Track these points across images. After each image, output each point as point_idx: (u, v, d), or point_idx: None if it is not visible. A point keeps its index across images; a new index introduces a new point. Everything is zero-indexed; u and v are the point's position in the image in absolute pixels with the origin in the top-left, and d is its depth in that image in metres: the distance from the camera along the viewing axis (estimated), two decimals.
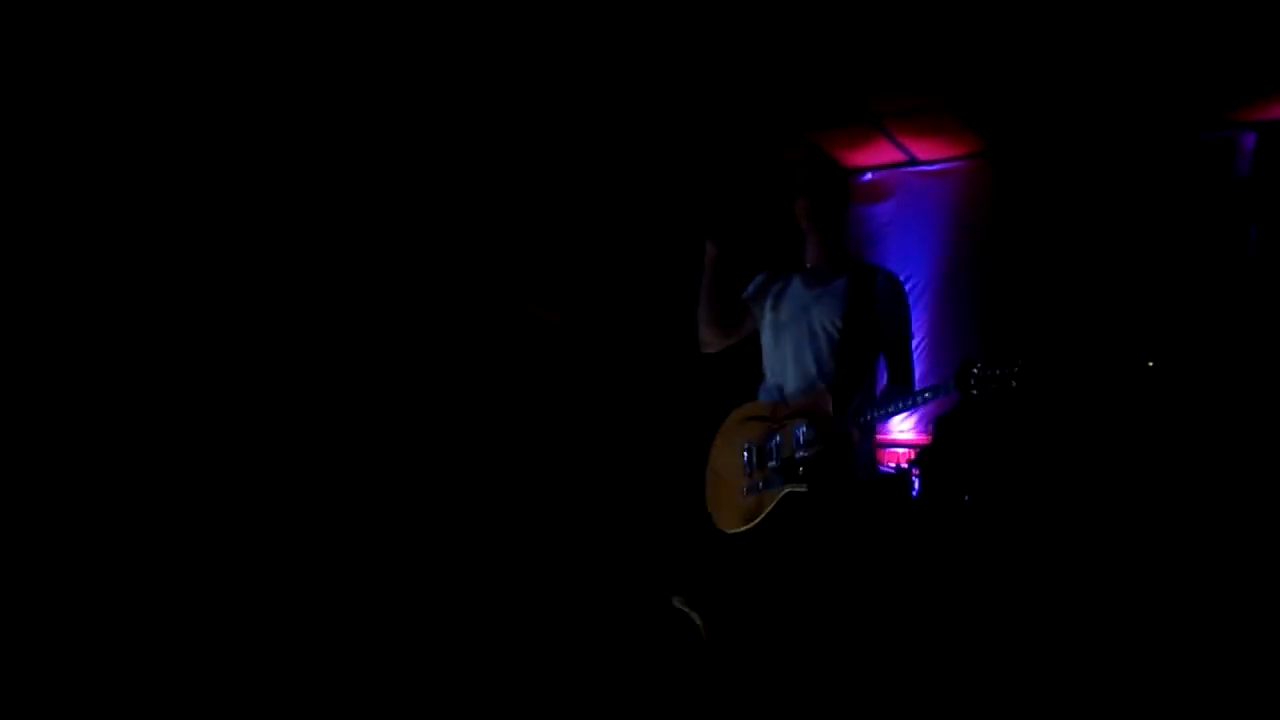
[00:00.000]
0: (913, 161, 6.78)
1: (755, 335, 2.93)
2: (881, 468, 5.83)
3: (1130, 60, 5.03)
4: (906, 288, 2.90)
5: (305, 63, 3.91)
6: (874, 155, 6.72)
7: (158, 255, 3.56)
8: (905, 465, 5.70)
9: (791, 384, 2.72)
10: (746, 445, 2.72)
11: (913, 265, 6.67)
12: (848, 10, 4.59)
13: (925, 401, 2.54)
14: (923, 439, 6.44)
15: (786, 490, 2.59)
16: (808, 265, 2.84)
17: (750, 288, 2.94)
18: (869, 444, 2.76)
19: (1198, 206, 5.58)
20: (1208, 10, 4.49)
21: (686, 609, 3.16)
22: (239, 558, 3.65)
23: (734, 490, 2.72)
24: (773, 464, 2.63)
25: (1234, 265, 5.39)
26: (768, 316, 2.83)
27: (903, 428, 6.63)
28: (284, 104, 3.88)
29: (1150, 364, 3.48)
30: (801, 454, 2.57)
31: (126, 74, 3.43)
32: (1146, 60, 5.02)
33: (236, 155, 3.75)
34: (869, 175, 6.98)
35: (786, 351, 2.76)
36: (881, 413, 2.62)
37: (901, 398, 2.60)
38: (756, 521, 2.64)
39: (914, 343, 2.81)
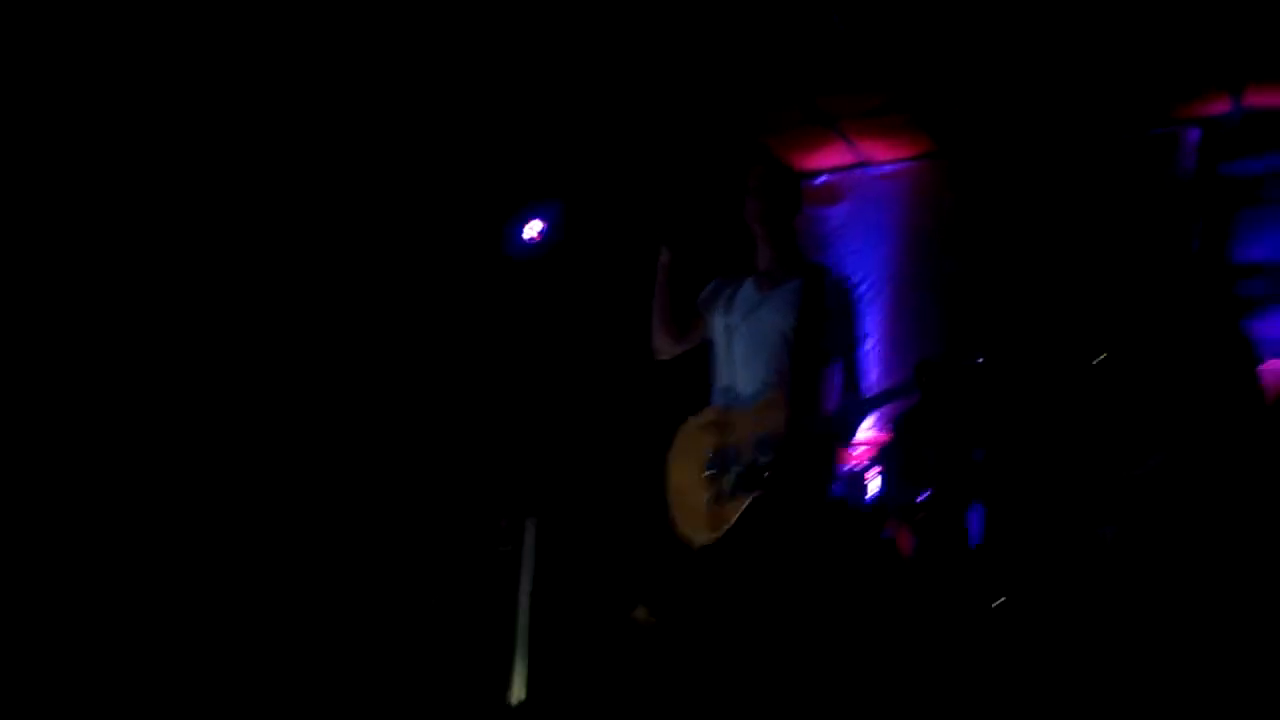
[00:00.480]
0: (865, 163, 6.81)
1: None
2: (841, 468, 5.84)
3: (1077, 58, 5.10)
4: (862, 289, 2.90)
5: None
6: (827, 158, 6.74)
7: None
8: (865, 464, 5.71)
9: (744, 387, 2.69)
10: (706, 454, 2.66)
11: (868, 266, 6.69)
12: (798, 13, 4.61)
13: (886, 403, 2.54)
14: (882, 437, 6.46)
15: (752, 497, 2.54)
16: (760, 269, 2.83)
17: (704, 294, 2.92)
18: (829, 446, 2.74)
19: (1144, 201, 5.66)
20: (1152, 8, 4.56)
21: (636, 606, 3.13)
22: (226, 554, 3.61)
23: (697, 500, 2.66)
24: (738, 469, 2.58)
25: (1179, 259, 5.47)
26: (719, 320, 2.81)
27: (862, 427, 6.65)
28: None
29: (1099, 359, 3.51)
30: (763, 459, 2.54)
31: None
32: (1093, 58, 5.09)
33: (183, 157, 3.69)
34: (823, 178, 7.00)
35: (738, 354, 2.73)
36: (843, 417, 2.61)
37: (861, 402, 2.59)
38: (723, 531, 2.58)
39: (868, 344, 2.80)
